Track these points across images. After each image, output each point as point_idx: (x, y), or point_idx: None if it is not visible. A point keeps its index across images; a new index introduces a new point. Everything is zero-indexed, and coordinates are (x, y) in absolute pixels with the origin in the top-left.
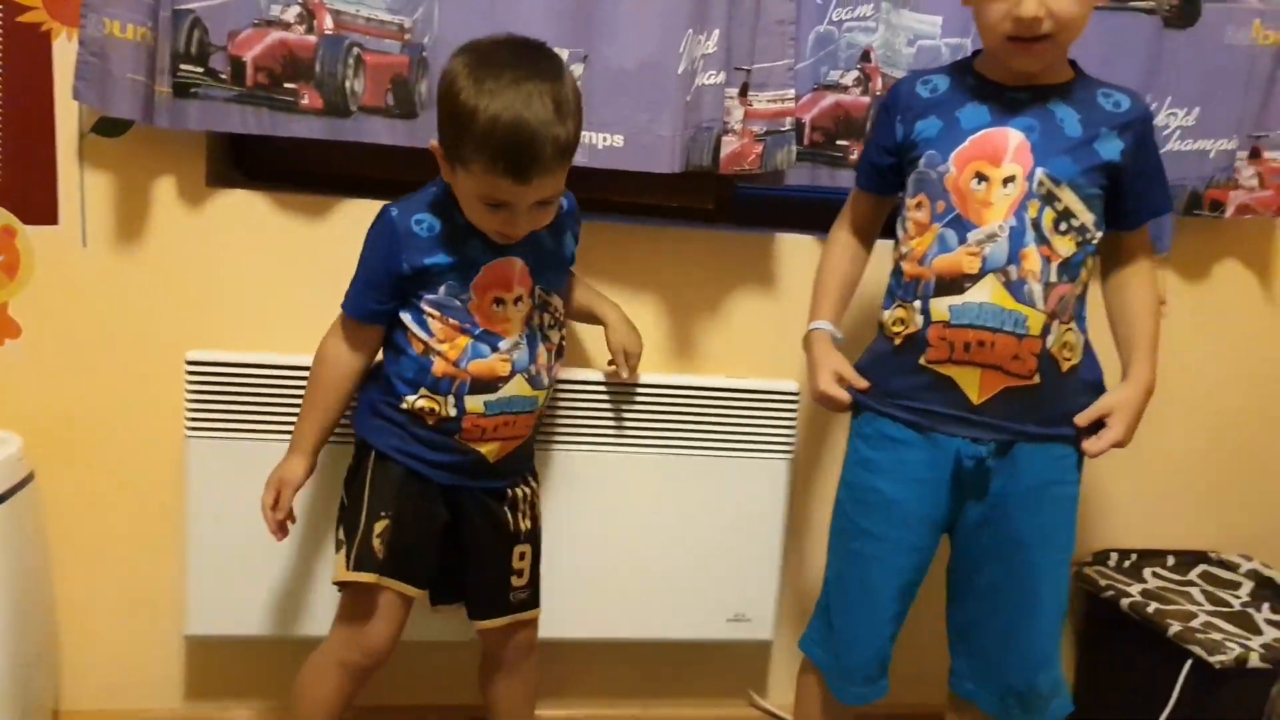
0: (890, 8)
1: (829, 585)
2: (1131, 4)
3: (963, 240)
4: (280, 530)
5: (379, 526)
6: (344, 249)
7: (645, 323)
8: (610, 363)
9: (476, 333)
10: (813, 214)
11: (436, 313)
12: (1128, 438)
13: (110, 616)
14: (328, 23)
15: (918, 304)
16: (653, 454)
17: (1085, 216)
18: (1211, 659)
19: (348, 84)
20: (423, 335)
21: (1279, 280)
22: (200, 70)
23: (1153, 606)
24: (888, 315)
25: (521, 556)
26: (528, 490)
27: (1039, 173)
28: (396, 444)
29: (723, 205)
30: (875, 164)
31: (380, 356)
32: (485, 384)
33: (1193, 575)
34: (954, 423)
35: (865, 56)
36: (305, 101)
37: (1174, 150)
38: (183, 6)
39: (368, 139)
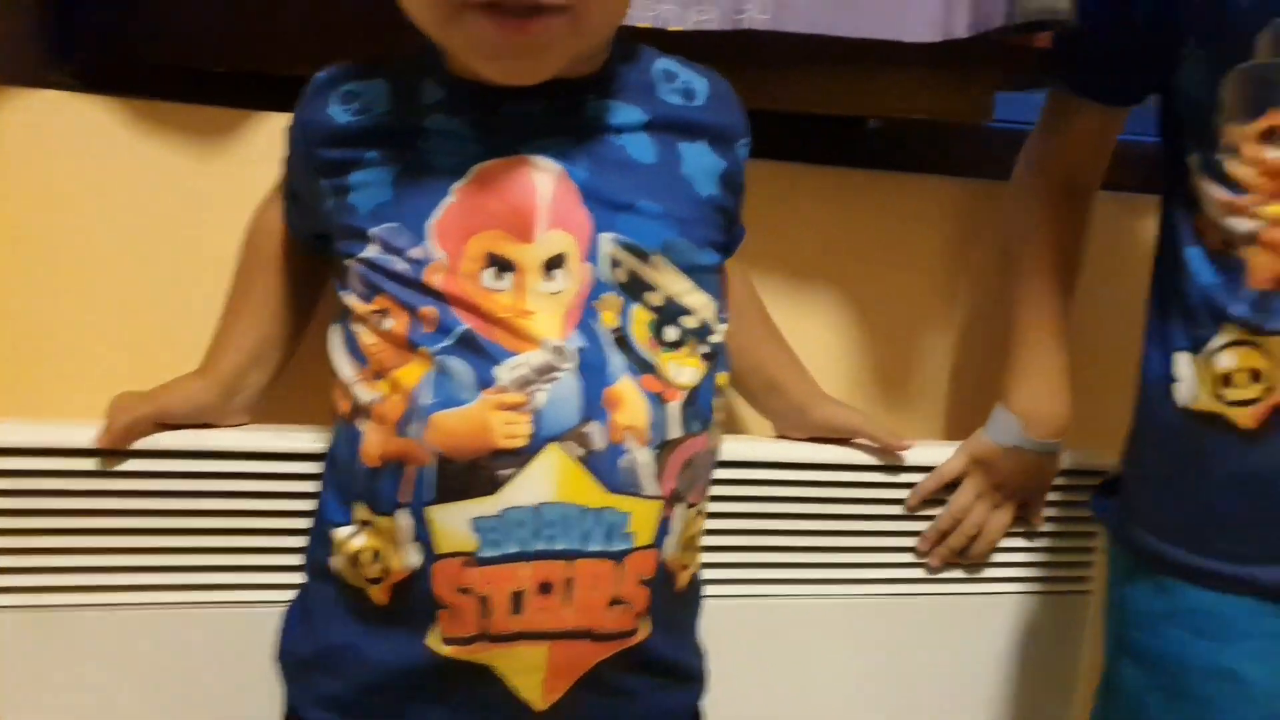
0: None
1: None
2: None
3: None
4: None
5: None
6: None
7: (815, 339)
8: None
9: (445, 343)
10: None
11: (365, 305)
12: None
13: None
14: None
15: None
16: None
17: None
18: None
19: None
20: (347, 371)
21: None
22: None
23: None
24: (1209, 366)
25: None
26: None
27: None
28: (325, 684)
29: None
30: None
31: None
32: (468, 473)
33: None
34: None
35: None
36: None
37: None
38: None
39: None
